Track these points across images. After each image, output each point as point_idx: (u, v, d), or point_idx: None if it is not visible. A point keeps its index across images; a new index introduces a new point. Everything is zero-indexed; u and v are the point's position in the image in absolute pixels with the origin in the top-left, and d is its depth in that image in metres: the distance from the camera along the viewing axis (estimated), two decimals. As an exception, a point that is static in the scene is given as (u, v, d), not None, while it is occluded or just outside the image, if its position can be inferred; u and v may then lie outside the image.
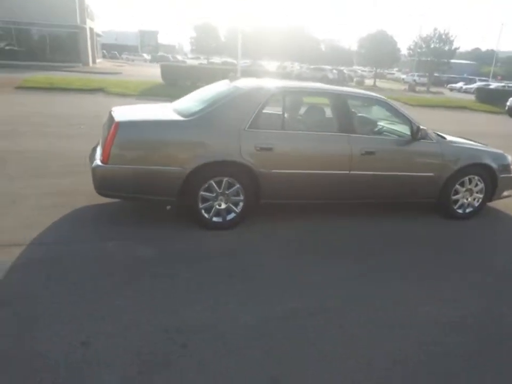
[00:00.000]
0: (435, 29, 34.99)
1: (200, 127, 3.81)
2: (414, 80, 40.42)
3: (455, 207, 4.73)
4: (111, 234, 3.73)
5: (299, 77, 33.14)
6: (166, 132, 3.80)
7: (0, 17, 29.57)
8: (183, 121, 3.85)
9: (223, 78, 4.95)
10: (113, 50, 67.62)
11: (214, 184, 3.85)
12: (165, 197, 3.86)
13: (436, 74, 41.65)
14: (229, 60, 48.97)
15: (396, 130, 4.76)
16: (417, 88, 35.11)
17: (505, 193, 4.99)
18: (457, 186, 4.64)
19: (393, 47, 38.53)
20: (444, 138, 4.74)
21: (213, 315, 2.68)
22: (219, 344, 2.41)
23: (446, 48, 34.90)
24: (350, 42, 53.08)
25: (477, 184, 4.71)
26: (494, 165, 4.69)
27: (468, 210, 4.79)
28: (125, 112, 4.12)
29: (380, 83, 44.19)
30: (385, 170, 4.30)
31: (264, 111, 4.03)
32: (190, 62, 54.63)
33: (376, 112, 5.19)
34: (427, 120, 15.27)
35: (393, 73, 57.69)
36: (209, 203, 3.90)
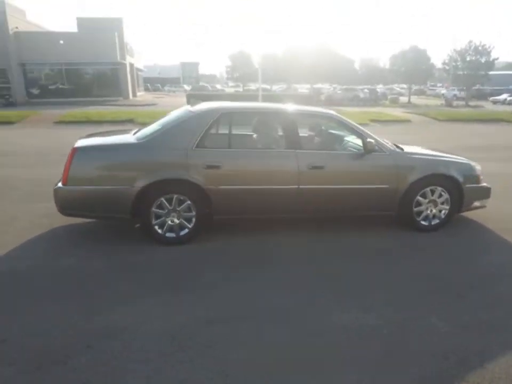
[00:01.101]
0: (470, 41, 34.03)
1: (150, 148, 4.12)
2: (455, 95, 39.24)
3: (419, 219, 4.67)
4: (75, 250, 4.07)
5: (329, 98, 33.30)
6: (118, 154, 4.15)
7: (52, 60, 32.39)
8: (135, 143, 4.18)
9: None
10: (157, 83, 71.35)
11: (164, 201, 4.11)
12: (119, 214, 4.16)
13: (477, 87, 40.22)
14: (264, 86, 50.12)
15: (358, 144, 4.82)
16: (455, 103, 34.08)
17: (477, 203, 4.86)
18: (418, 197, 4.59)
19: (427, 62, 37.78)
20: (402, 149, 4.74)
21: (129, 319, 2.89)
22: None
23: (483, 60, 33.75)
24: (385, 60, 52.42)
25: (440, 195, 4.64)
26: (457, 176, 4.61)
27: (434, 222, 4.71)
28: (86, 140, 4.51)
29: (418, 99, 43.34)
30: (336, 184, 4.36)
31: (213, 131, 4.29)
32: (228, 90, 56.56)
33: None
34: (450, 134, 15.02)
35: (434, 89, 56.35)
36: (161, 219, 4.15)
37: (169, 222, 4.17)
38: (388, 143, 4.77)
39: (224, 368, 2.42)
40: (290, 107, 4.66)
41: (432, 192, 4.61)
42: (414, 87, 53.95)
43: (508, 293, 3.40)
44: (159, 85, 69.70)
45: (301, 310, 3.10)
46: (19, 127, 15.68)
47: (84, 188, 4.05)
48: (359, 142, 4.67)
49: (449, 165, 4.66)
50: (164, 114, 5.04)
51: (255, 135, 4.82)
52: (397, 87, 53.10)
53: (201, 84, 72.85)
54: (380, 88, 50.06)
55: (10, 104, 28.27)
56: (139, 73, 48.28)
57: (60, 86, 34.13)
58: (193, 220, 4.21)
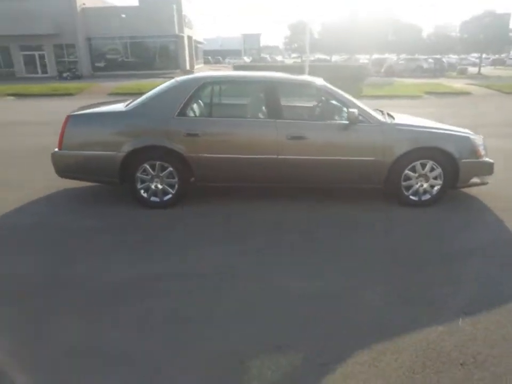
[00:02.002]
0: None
1: (134, 116, 4.35)
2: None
3: (408, 194, 4.49)
4: (71, 210, 4.49)
5: (389, 69, 31.62)
6: (105, 121, 4.43)
7: (115, 34, 33.81)
8: (121, 111, 4.42)
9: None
10: (218, 55, 71.88)
11: (148, 167, 4.34)
12: (108, 178, 4.47)
13: None
14: (322, 56, 48.60)
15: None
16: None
17: (475, 179, 4.55)
18: (407, 171, 4.41)
19: (505, 29, 34.27)
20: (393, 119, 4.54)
21: (91, 271, 3.20)
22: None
23: None
24: (455, 28, 47.90)
25: (432, 169, 4.41)
26: (451, 149, 4.34)
27: (424, 198, 4.51)
28: (82, 109, 4.81)
29: (493, 70, 39.76)
30: (317, 155, 4.31)
31: (195, 100, 4.40)
32: (288, 61, 55.61)
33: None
34: (507, 108, 13.63)
35: (516, 58, 51.18)
36: (146, 184, 4.40)
37: (153, 187, 4.41)
38: (378, 113, 4.59)
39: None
40: (273, 76, 4.60)
41: (423, 166, 4.40)
42: (492, 57, 49.27)
43: (469, 271, 3.24)
44: (219, 57, 70.08)
45: (249, 272, 3.21)
46: (77, 98, 16.78)
47: (76, 153, 4.39)
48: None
49: (442, 138, 4.40)
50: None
51: (236, 104, 4.86)
52: (472, 57, 48.92)
53: (262, 55, 72.24)
54: (451, 58, 46.42)
55: (76, 77, 30.19)
56: (198, 45, 48.88)
57: (122, 59, 35.68)
58: (176, 186, 4.41)
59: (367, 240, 3.78)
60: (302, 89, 4.97)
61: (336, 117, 4.45)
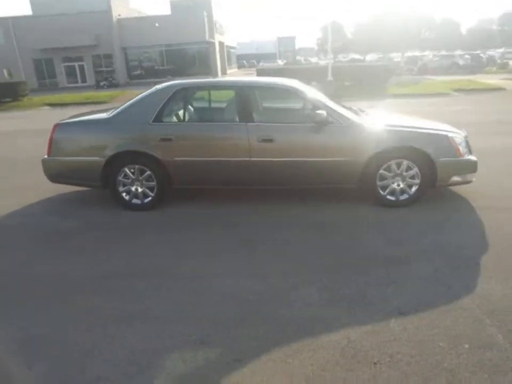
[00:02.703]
0: None
1: (114, 123, 4.57)
2: None
3: (384, 194, 4.43)
4: (56, 212, 4.79)
5: (423, 67, 30.68)
6: (89, 129, 4.70)
7: (149, 43, 35.04)
8: (103, 119, 4.67)
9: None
10: (253, 59, 72.48)
11: (128, 171, 4.55)
12: (92, 182, 4.72)
13: None
14: (356, 56, 47.87)
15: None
16: None
17: (457, 178, 4.42)
18: (382, 171, 4.36)
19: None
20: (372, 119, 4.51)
21: (52, 268, 3.44)
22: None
23: None
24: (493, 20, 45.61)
25: (409, 169, 4.34)
26: (426, 148, 4.24)
27: (402, 197, 4.43)
28: (72, 117, 5.10)
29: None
30: (287, 157, 4.35)
31: (170, 106, 4.57)
32: (322, 62, 55.19)
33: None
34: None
35: None
36: (127, 187, 4.62)
37: (134, 190, 4.62)
38: (355, 113, 4.57)
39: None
40: (245, 80, 4.67)
41: (398, 165, 4.33)
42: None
43: (414, 273, 3.17)
44: (254, 61, 70.62)
45: (192, 271, 3.32)
46: (109, 105, 17.53)
47: (63, 159, 4.68)
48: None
49: (417, 137, 4.30)
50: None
51: (209, 109, 4.98)
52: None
53: (297, 58, 72.17)
54: (495, 52, 44.33)
55: (113, 86, 31.48)
56: (231, 50, 49.58)
57: (156, 67, 36.88)
58: (155, 188, 4.60)
59: (319, 242, 3.77)
60: (272, 92, 5.02)
61: (307, 119, 4.45)
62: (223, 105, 4.89)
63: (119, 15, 34.52)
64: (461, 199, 4.68)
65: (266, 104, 5.18)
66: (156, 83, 4.93)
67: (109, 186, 4.65)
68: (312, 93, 4.60)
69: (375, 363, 2.27)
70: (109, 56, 35.39)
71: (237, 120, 4.45)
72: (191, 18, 34.10)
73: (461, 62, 30.56)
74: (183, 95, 4.63)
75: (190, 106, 4.80)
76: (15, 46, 33.94)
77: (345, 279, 3.13)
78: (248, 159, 4.38)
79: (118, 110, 4.68)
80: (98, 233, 4.14)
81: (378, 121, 4.54)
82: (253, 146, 4.35)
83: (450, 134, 4.39)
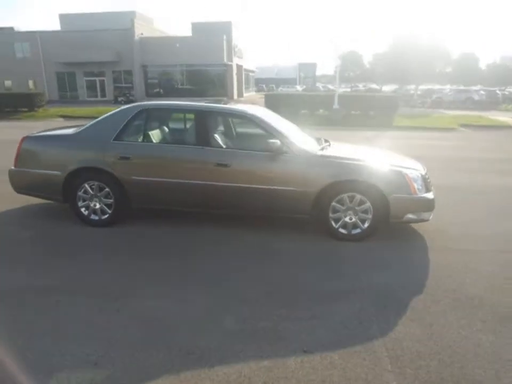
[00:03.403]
0: None
1: (78, 140, 4.71)
2: None
3: (337, 226, 4.40)
4: (18, 223, 4.90)
5: (437, 101, 30.61)
6: (54, 143, 4.85)
7: (168, 62, 35.99)
8: (68, 135, 4.81)
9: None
10: (272, 83, 73.50)
11: (87, 187, 4.64)
12: (53, 195, 4.83)
13: None
14: (373, 86, 48.12)
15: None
16: None
17: (411, 216, 4.36)
18: (335, 203, 4.34)
19: None
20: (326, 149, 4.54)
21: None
22: None
23: None
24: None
25: (362, 203, 4.30)
26: (378, 183, 4.22)
27: (354, 232, 4.39)
28: (40, 131, 5.26)
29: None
30: (242, 183, 4.37)
31: (133, 125, 4.68)
32: (341, 90, 55.63)
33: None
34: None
35: None
36: (86, 202, 4.70)
37: (92, 206, 4.69)
38: (316, 142, 4.62)
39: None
40: (206, 105, 4.75)
41: (351, 198, 4.31)
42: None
43: (335, 312, 3.11)
44: (273, 85, 71.58)
45: (113, 290, 3.34)
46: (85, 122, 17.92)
47: (28, 171, 4.82)
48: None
49: (370, 171, 4.28)
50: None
51: (169, 131, 5.07)
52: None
53: (318, 84, 73.01)
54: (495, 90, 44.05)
55: (129, 102, 32.05)
56: (250, 74, 50.46)
57: (173, 86, 37.73)
58: (113, 206, 4.67)
59: (262, 270, 3.75)
60: (230, 118, 5.10)
61: (263, 147, 4.48)
62: (183, 127, 4.98)
63: (142, 34, 35.66)
64: (419, 237, 4.59)
65: (226, 130, 5.25)
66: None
67: (69, 201, 4.74)
68: (273, 122, 4.65)
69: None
70: (128, 73, 36.43)
71: (195, 143, 4.52)
72: (211, 40, 34.98)
73: (476, 97, 30.39)
74: (145, 116, 4.74)
75: (150, 127, 4.88)
76: (41, 59, 35.31)
77: (268, 312, 3.08)
78: (204, 182, 4.43)
79: (84, 127, 4.81)
80: (47, 245, 4.20)
81: (336, 153, 4.55)
82: (209, 170, 4.40)
83: (405, 171, 4.35)
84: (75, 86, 36.78)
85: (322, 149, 4.64)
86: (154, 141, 4.70)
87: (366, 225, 4.36)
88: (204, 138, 4.50)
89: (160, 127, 4.97)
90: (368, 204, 4.28)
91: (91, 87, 36.84)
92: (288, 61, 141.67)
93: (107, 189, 4.61)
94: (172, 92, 37.00)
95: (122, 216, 4.78)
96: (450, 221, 5.04)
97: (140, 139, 4.68)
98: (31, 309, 3.07)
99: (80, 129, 4.79)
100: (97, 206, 4.69)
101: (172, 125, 5.18)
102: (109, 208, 4.69)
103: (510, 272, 3.77)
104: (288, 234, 4.62)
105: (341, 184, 4.28)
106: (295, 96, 21.08)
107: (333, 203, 4.33)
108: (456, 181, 7.12)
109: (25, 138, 4.85)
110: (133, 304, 3.15)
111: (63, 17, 37.30)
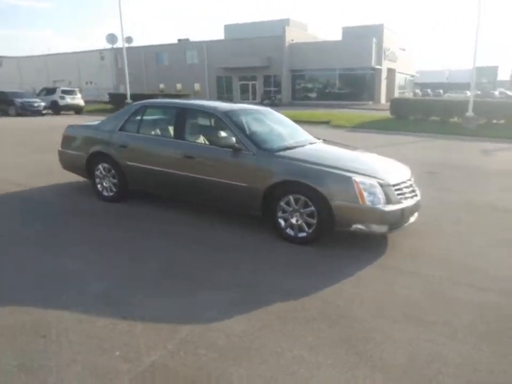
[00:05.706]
0: None
1: (96, 129, 5.73)
2: None
3: (284, 227, 4.33)
4: (56, 194, 6.20)
5: None
6: (83, 131, 6.00)
7: (315, 67, 36.75)
8: (92, 125, 5.89)
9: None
10: (440, 88, 67.50)
11: (101, 167, 5.62)
12: (80, 173, 5.96)
13: None
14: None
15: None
16: None
17: (360, 226, 3.98)
18: (283, 204, 4.28)
19: None
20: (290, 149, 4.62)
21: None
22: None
23: None
24: None
25: (307, 206, 4.15)
26: (321, 188, 3.99)
27: (300, 235, 4.24)
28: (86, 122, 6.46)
29: None
30: (202, 175, 4.70)
31: (135, 119, 5.44)
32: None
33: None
34: None
35: None
36: (100, 181, 5.69)
37: (104, 184, 5.65)
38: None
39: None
40: (187, 103, 5.23)
41: (296, 201, 4.19)
42: None
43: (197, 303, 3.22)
44: (440, 90, 65.66)
45: (65, 273, 3.79)
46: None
47: (67, 152, 6.06)
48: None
49: (314, 174, 4.06)
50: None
51: (159, 124, 5.59)
52: None
53: (499, 89, 64.08)
54: None
55: (274, 105, 34.06)
56: (408, 78, 47.57)
57: (319, 90, 38.34)
58: (117, 185, 5.53)
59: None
60: (200, 115, 5.34)
61: (222, 143, 4.62)
62: (167, 122, 5.50)
63: (292, 40, 37.23)
64: (376, 252, 4.15)
65: (202, 126, 5.52)
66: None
67: (91, 178, 5.80)
68: (241, 121, 4.82)
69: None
70: (277, 77, 38.51)
71: (173, 136, 5.05)
72: (360, 44, 34.37)
73: None
74: (142, 112, 5.48)
75: (144, 121, 5.54)
76: (205, 65, 40.20)
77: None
78: (176, 171, 4.91)
79: (104, 119, 5.82)
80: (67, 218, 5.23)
81: (299, 154, 4.53)
82: (180, 161, 4.86)
83: (357, 178, 3.99)
84: (231, 89, 40.71)
85: (289, 148, 4.63)
86: (145, 133, 5.38)
87: (311, 230, 4.18)
88: (179, 131, 5.02)
89: (152, 121, 5.66)
90: (312, 208, 4.12)
91: (244, 90, 40.27)
92: (463, 65, 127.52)
93: (113, 171, 5.49)
94: (319, 96, 37.67)
95: (125, 195, 5.58)
96: (449, 246, 4.34)
97: (135, 131, 5.42)
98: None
99: (101, 121, 5.82)
100: (107, 184, 5.61)
101: (160, 120, 5.79)
102: (115, 187, 5.57)
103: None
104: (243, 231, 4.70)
105: (287, 185, 4.22)
106: (424, 102, 19.31)
107: (281, 203, 4.29)
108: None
109: (68, 127, 6.12)
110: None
111: (228, 27, 41.62)
